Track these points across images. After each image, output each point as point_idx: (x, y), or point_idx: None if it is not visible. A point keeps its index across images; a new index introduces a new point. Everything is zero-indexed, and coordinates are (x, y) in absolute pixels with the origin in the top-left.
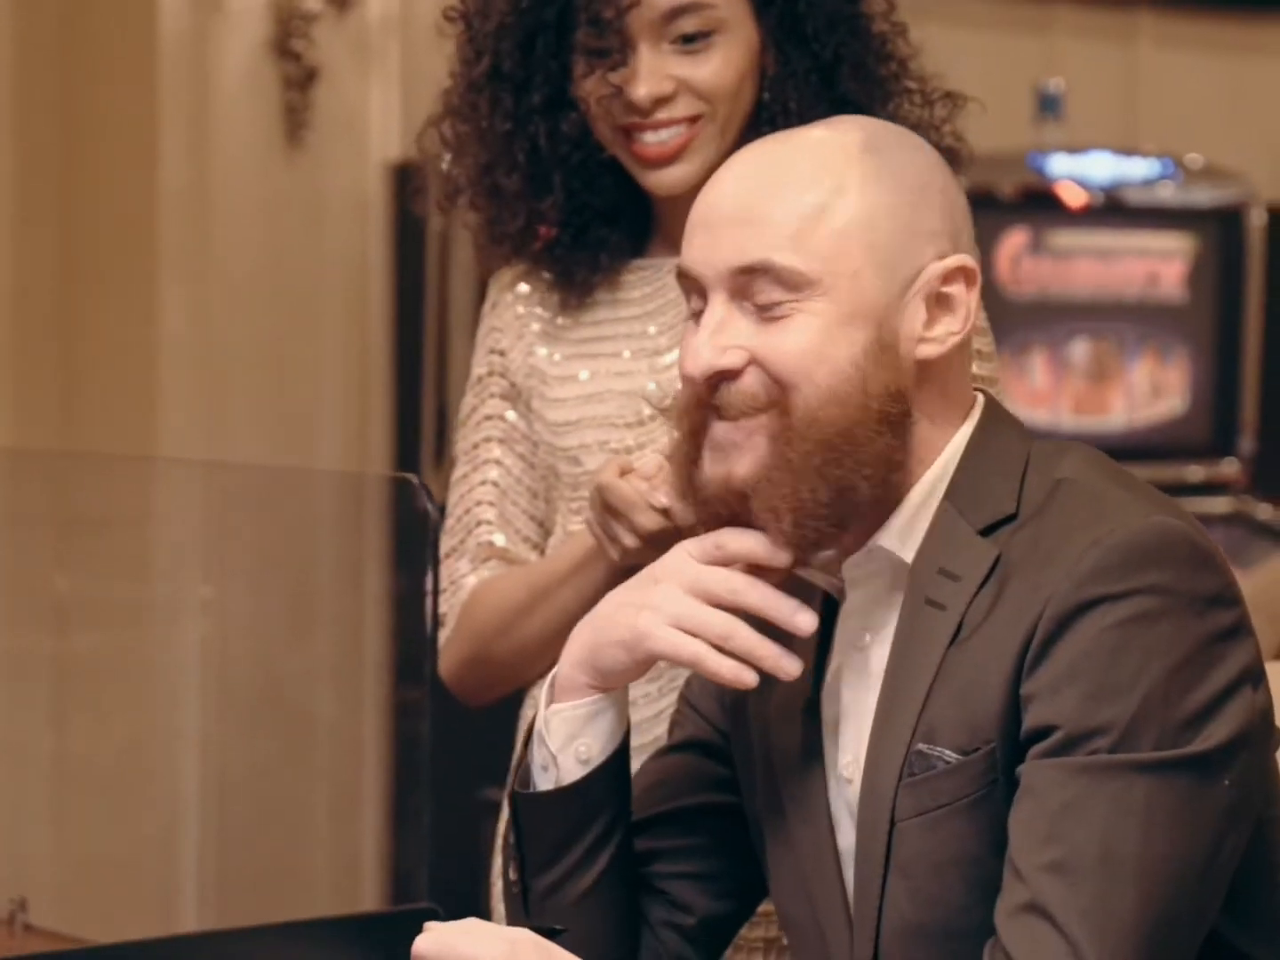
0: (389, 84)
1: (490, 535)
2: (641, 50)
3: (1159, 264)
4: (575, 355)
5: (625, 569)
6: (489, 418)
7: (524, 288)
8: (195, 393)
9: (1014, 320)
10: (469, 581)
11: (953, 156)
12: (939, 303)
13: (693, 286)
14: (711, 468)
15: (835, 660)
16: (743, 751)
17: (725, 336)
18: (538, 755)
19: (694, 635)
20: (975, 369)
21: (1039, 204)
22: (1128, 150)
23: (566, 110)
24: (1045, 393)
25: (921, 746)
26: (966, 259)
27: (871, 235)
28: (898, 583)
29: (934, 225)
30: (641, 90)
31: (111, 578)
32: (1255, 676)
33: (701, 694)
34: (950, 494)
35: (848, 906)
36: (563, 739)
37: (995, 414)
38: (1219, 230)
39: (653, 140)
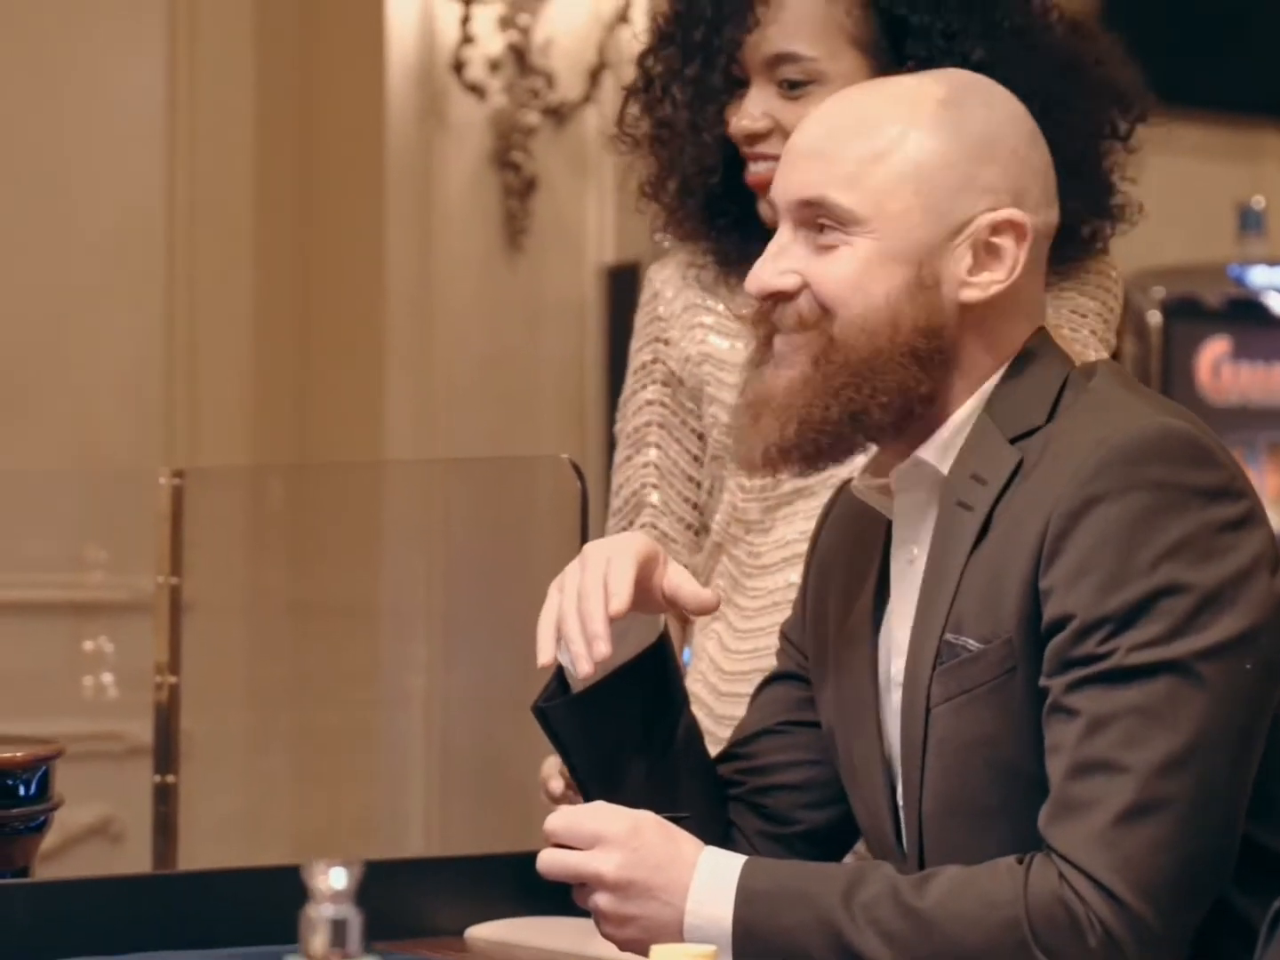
0: (604, 193)
1: (655, 520)
2: (752, 88)
3: None
4: None
5: None
6: (650, 403)
7: (690, 276)
8: (418, 484)
9: (1214, 425)
10: None
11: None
12: (987, 251)
13: (776, 212)
14: (769, 373)
15: (892, 582)
16: (818, 670)
17: (784, 261)
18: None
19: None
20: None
21: (1241, 313)
22: None
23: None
24: None
25: (949, 636)
26: (1016, 213)
27: (922, 183)
28: (937, 495)
29: (992, 180)
30: (736, 123)
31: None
32: (1274, 563)
33: (794, 625)
34: (989, 407)
35: (894, 799)
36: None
37: (1045, 342)
38: None
39: (753, 170)
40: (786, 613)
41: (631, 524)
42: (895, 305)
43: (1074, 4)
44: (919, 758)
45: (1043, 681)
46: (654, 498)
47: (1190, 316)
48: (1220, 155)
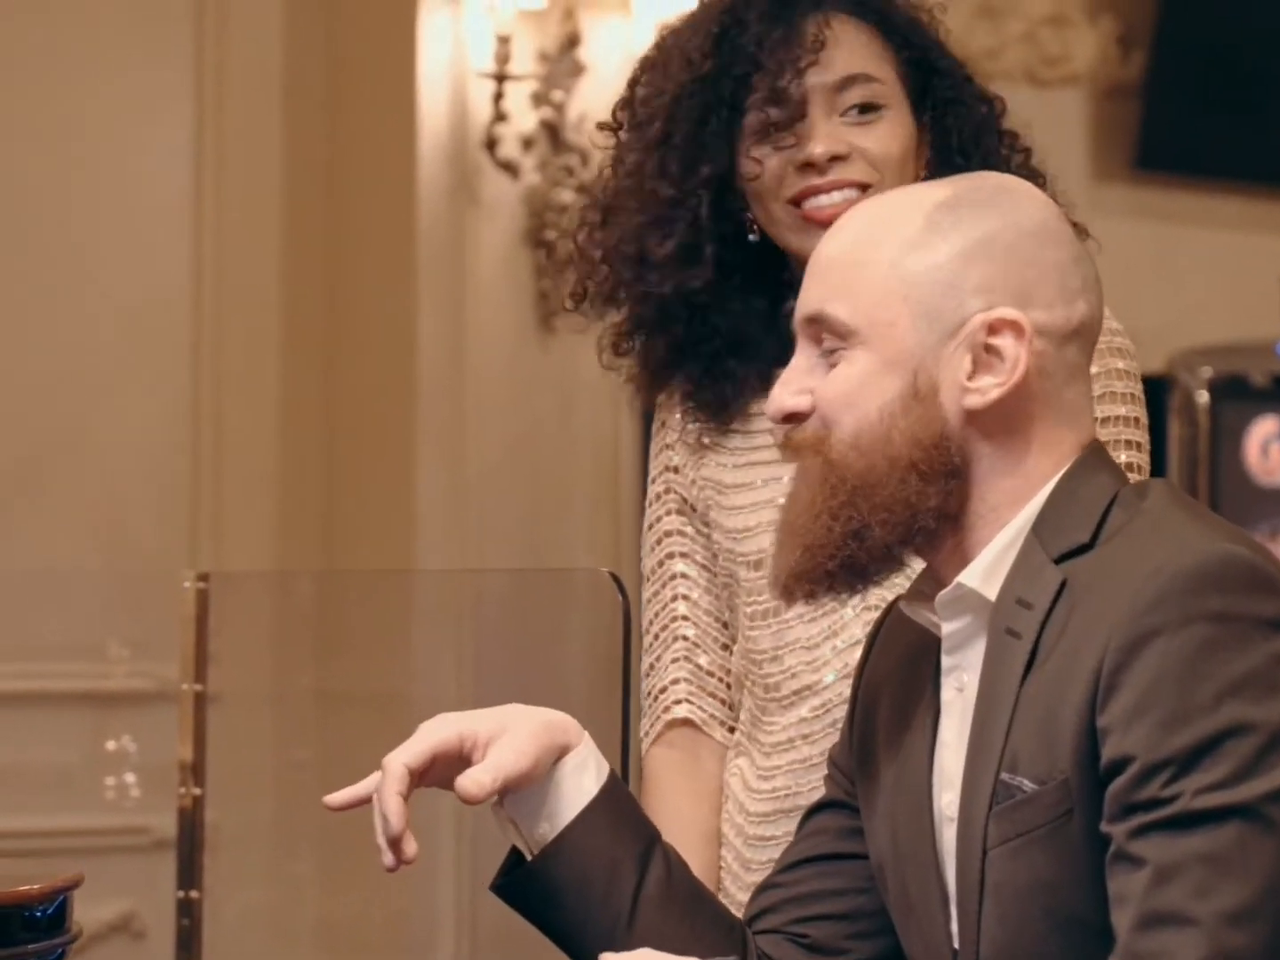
0: None
1: (689, 653)
2: (815, 118)
3: None
4: (748, 464)
5: None
6: (669, 533)
7: (690, 404)
8: (449, 566)
9: (1264, 505)
10: (676, 709)
11: None
12: (988, 353)
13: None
14: (789, 499)
15: (942, 711)
16: (867, 799)
17: (799, 381)
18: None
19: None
20: (1125, 457)
21: None
22: None
23: (729, 190)
24: None
25: (1005, 776)
26: (1011, 312)
27: (910, 289)
28: (984, 619)
29: (986, 280)
30: (819, 148)
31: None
32: None
33: (841, 752)
34: (1036, 527)
35: (951, 941)
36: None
37: (1095, 458)
38: None
39: (825, 203)
40: (803, 751)
41: (659, 659)
42: (889, 419)
43: (1118, 78)
44: (976, 901)
45: (1104, 827)
46: (686, 631)
47: (1238, 396)
48: (1266, 228)
